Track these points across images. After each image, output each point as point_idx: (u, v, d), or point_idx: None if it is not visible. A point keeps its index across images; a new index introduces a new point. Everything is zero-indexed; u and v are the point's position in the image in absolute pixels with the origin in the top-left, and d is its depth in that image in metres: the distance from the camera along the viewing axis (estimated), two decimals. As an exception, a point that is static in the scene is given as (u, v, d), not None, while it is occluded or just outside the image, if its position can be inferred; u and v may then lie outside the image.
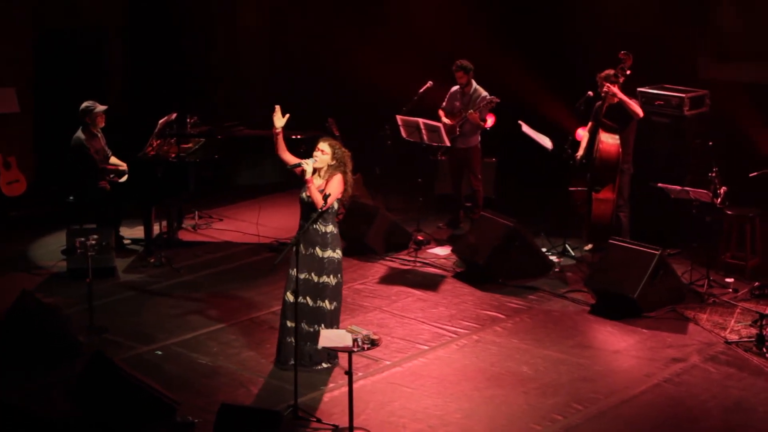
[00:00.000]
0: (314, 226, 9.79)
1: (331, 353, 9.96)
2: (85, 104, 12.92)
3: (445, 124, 13.60)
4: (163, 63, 16.68)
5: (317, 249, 9.85)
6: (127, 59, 16.82)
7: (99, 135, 13.07)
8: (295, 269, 9.58)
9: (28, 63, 15.85)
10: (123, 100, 16.00)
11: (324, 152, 9.83)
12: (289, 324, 9.82)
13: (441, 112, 13.98)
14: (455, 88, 14.00)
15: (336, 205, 9.92)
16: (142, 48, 16.72)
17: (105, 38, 16.43)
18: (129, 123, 13.40)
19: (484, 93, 13.78)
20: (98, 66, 16.38)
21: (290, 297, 9.74)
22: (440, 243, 13.71)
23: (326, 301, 9.89)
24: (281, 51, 17.61)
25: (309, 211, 9.78)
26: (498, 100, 13.58)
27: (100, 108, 12.92)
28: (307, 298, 9.85)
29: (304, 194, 9.84)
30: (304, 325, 9.84)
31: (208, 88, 17.11)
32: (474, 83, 13.86)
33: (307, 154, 13.37)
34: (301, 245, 9.76)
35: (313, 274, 9.87)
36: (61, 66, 15.97)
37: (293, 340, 9.64)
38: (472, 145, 13.98)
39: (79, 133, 12.89)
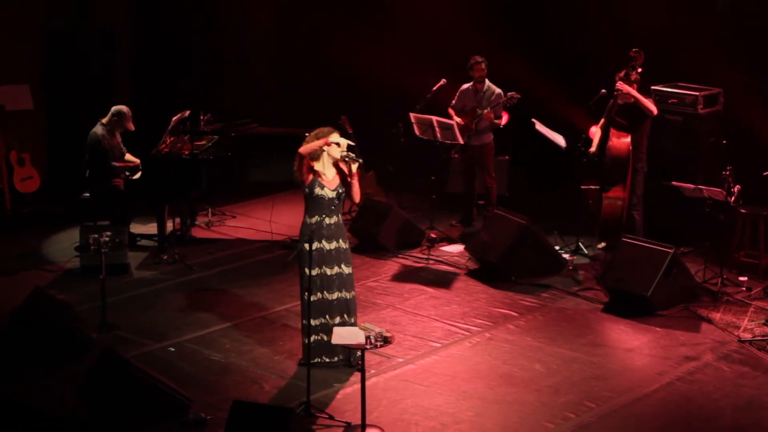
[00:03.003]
0: (338, 219, 9.86)
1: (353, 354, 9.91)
2: (122, 108, 13.03)
3: (458, 123, 13.58)
4: (173, 61, 16.68)
5: (341, 241, 9.93)
6: (137, 57, 16.82)
7: (116, 133, 13.15)
8: (316, 268, 9.72)
9: (42, 60, 15.87)
10: (133, 98, 16.01)
11: (340, 145, 9.83)
12: (315, 322, 9.79)
13: (451, 111, 13.96)
14: (466, 86, 13.99)
15: None
16: (152, 46, 16.73)
17: (115, 36, 16.43)
18: (139, 121, 13.42)
19: (498, 90, 13.77)
20: (109, 63, 16.38)
21: (327, 295, 9.84)
22: (453, 241, 13.70)
23: (352, 291, 10.01)
24: (292, 48, 17.60)
25: (333, 205, 9.80)
26: (519, 96, 13.54)
27: (129, 117, 13.05)
28: (344, 292, 9.92)
29: (327, 189, 9.81)
30: (340, 318, 9.88)
31: (217, 85, 17.11)
32: (487, 81, 13.86)
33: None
34: (324, 241, 9.80)
35: (343, 266, 9.92)
36: (72, 64, 15.98)
37: (323, 337, 9.73)
38: (486, 142, 13.97)
39: (97, 128, 12.95)
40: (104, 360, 8.95)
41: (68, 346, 10.13)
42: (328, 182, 9.80)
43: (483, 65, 13.81)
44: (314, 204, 9.81)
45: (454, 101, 14.06)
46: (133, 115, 13.23)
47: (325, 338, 9.75)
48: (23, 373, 9.76)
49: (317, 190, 9.76)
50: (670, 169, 13.02)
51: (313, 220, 9.81)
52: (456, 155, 14.28)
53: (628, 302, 11.40)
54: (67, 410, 8.96)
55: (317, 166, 9.83)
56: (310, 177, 9.79)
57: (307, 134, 13.17)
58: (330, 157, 9.83)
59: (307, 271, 9.64)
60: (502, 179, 15.05)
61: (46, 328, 10.10)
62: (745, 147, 13.13)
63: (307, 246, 9.58)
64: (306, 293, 9.51)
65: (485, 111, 13.67)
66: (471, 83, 13.98)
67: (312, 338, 9.72)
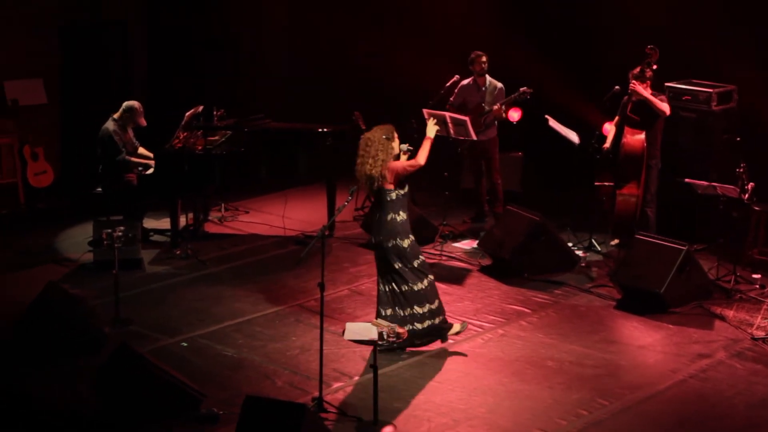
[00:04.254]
0: None
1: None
2: (134, 103, 13.09)
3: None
4: (187, 56, 16.70)
5: None
6: (152, 52, 16.84)
7: (129, 128, 13.19)
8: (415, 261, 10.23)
9: (54, 55, 15.89)
10: (147, 92, 16.04)
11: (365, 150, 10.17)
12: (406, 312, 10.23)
13: (452, 110, 13.84)
14: (466, 82, 13.93)
15: None
16: (166, 41, 16.75)
17: (129, 31, 16.46)
18: (153, 116, 13.45)
19: (500, 85, 13.75)
20: (123, 58, 16.41)
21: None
22: (466, 237, 13.69)
23: None
24: (306, 44, 17.61)
25: None
26: (531, 91, 13.49)
27: (141, 113, 13.11)
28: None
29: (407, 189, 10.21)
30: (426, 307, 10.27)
31: (231, 81, 17.12)
32: (487, 75, 13.83)
33: (333, 147, 13.48)
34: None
35: None
36: (86, 58, 16.01)
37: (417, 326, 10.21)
38: (492, 136, 13.95)
39: (109, 124, 13.02)
40: (118, 355, 8.97)
41: (82, 340, 10.15)
42: None
43: (484, 59, 13.77)
44: (405, 202, 10.18)
45: (452, 98, 14.00)
46: (147, 110, 13.27)
47: (420, 326, 10.19)
48: (37, 367, 9.78)
49: (407, 188, 10.19)
50: (683, 166, 12.99)
51: (405, 216, 10.19)
52: (464, 152, 14.21)
53: (641, 299, 11.39)
54: (81, 405, 8.97)
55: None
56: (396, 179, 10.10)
57: (320, 130, 13.30)
58: (393, 155, 10.09)
59: (415, 262, 10.16)
60: (515, 176, 15.04)
61: (59, 323, 10.11)
62: (759, 144, 13.10)
63: (407, 242, 10.13)
64: (408, 285, 10.10)
65: (495, 107, 13.62)
66: (470, 78, 13.94)
67: (408, 327, 10.11)
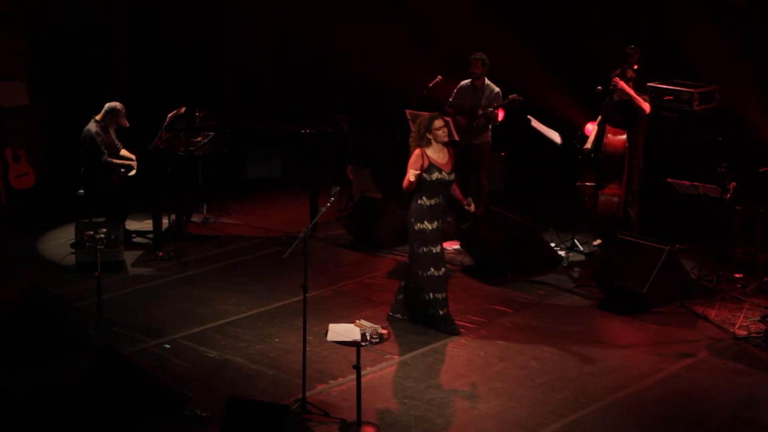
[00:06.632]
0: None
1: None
2: (116, 104, 13.04)
3: (458, 122, 13.52)
4: (171, 56, 16.65)
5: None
6: (135, 52, 16.80)
7: (111, 130, 13.16)
8: (438, 246, 10.71)
9: (37, 56, 15.84)
10: (131, 93, 15.99)
11: (412, 130, 10.64)
12: (438, 296, 10.80)
13: (450, 110, 13.83)
14: (464, 82, 13.90)
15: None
16: (150, 41, 16.70)
17: (113, 31, 16.41)
18: (137, 116, 13.41)
19: (497, 89, 13.70)
20: (106, 59, 16.37)
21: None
22: (449, 237, 13.69)
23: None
24: (291, 44, 17.58)
25: (449, 188, 10.70)
26: (521, 99, 13.41)
27: (123, 114, 13.08)
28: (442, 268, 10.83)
29: (445, 173, 10.50)
30: (443, 294, 10.81)
31: (216, 81, 17.09)
32: (486, 79, 13.78)
33: (316, 148, 13.48)
34: (439, 222, 10.71)
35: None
36: (69, 59, 15.95)
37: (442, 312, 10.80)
38: (485, 140, 13.90)
39: (91, 125, 12.98)
40: (102, 357, 8.94)
41: (65, 343, 10.12)
42: (444, 166, 10.44)
43: (481, 62, 13.71)
44: (435, 187, 10.43)
45: (451, 98, 13.95)
46: (132, 110, 13.24)
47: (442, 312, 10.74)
48: (20, 369, 9.75)
49: (436, 175, 10.36)
50: (665, 165, 13.02)
51: (433, 201, 10.49)
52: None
53: (623, 299, 11.41)
54: (65, 406, 8.94)
55: (430, 152, 10.42)
56: (426, 163, 10.36)
57: (303, 131, 13.27)
58: (438, 143, 10.46)
59: (433, 249, 10.61)
60: (499, 176, 15.03)
61: (42, 325, 10.08)
62: (742, 143, 13.14)
63: (428, 225, 10.56)
64: (424, 271, 10.60)
65: (490, 110, 13.54)
66: (469, 80, 13.90)
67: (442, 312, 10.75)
